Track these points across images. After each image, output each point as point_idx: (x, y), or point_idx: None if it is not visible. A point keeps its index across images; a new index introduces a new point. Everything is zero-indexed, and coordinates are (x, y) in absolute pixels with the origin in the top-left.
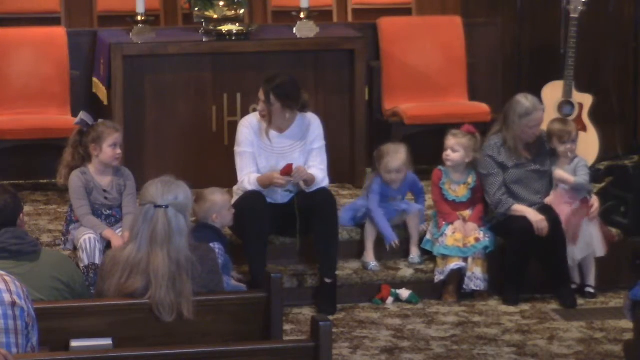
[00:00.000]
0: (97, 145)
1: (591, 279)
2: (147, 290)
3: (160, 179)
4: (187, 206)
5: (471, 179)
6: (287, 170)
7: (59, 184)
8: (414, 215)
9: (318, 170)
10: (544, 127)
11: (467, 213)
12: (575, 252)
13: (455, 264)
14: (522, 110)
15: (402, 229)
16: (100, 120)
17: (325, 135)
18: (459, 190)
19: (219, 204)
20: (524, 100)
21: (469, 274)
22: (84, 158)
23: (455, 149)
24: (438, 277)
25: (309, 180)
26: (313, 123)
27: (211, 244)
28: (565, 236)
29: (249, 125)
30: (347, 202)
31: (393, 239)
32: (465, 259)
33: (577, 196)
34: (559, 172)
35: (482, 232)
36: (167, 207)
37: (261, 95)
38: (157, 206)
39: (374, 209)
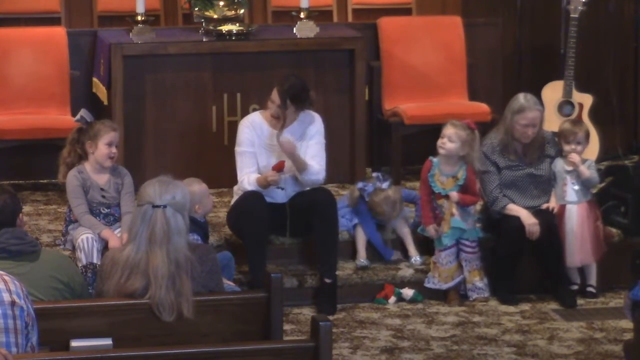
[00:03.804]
0: (93, 143)
1: (592, 279)
2: (147, 290)
3: (157, 178)
4: (185, 205)
5: (461, 175)
6: (280, 167)
7: (59, 182)
8: (400, 223)
9: (314, 161)
10: (547, 128)
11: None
12: (575, 259)
13: (453, 281)
14: (517, 106)
15: (393, 235)
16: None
17: (325, 135)
18: (446, 183)
19: (198, 194)
20: (522, 97)
21: (469, 285)
22: (80, 156)
23: (453, 139)
24: (433, 285)
25: (299, 163)
26: (315, 121)
27: (190, 235)
28: (561, 238)
29: (250, 125)
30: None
31: (392, 256)
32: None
33: (583, 197)
34: (574, 156)
35: (460, 212)
36: (165, 206)
37: (275, 98)
38: (155, 206)
39: (372, 235)
